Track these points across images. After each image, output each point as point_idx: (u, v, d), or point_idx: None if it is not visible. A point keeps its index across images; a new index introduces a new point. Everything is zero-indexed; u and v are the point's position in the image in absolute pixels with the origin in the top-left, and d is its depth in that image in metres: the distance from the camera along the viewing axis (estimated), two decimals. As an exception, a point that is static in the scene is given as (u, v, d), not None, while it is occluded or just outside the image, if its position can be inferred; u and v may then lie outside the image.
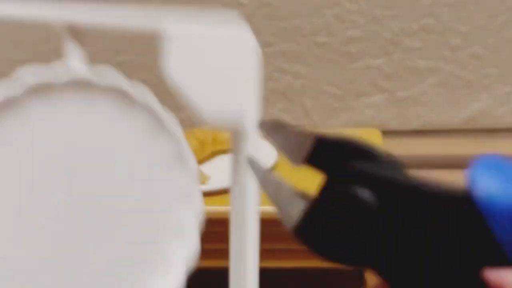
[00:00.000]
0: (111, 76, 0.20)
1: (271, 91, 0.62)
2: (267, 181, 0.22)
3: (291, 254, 0.48)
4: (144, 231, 0.19)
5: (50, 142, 0.18)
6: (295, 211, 0.22)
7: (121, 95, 0.19)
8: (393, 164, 0.21)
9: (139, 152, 0.19)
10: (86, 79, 0.19)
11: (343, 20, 0.61)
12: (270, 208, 0.48)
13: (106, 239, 0.18)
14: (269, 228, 0.50)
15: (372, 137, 0.51)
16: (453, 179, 0.64)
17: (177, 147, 0.19)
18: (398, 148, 0.61)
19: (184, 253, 0.19)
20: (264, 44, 0.61)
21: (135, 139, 0.19)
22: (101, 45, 0.60)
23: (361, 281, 0.48)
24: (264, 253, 0.48)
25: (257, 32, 0.67)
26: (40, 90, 0.19)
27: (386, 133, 0.60)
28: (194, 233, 0.19)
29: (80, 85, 0.19)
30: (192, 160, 0.19)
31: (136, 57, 0.61)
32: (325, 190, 0.22)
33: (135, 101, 0.19)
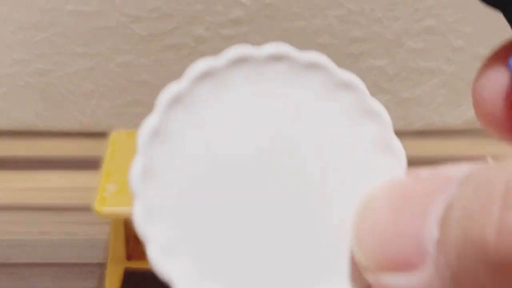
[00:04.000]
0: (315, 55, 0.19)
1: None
2: None
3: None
4: (342, 216, 0.18)
5: (251, 115, 0.19)
6: None
7: (328, 74, 0.19)
8: None
9: (341, 134, 0.19)
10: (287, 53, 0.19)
11: (345, 21, 0.60)
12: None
13: (302, 226, 0.18)
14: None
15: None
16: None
17: (384, 132, 0.19)
18: (401, 149, 0.61)
19: None
20: (266, 44, 0.61)
21: (340, 120, 0.19)
22: (101, 45, 0.60)
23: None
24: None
25: (259, 33, 0.67)
26: (240, 62, 0.19)
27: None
28: None
29: (282, 59, 0.19)
30: (399, 147, 0.19)
31: (136, 58, 0.61)
32: None
33: (341, 81, 0.19)
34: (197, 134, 0.18)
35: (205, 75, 0.18)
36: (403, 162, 0.19)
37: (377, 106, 0.19)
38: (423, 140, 0.63)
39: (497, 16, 0.58)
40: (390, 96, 0.63)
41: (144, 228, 0.18)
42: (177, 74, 0.20)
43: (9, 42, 0.62)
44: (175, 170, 0.18)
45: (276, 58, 0.19)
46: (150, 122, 0.18)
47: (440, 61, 0.62)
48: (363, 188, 0.18)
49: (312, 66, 0.19)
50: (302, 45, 0.61)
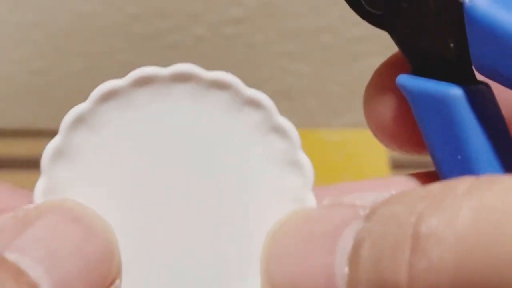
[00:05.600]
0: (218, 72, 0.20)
1: (274, 91, 0.62)
2: None
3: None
4: (250, 233, 0.19)
5: (156, 133, 0.19)
6: None
7: (232, 90, 0.19)
8: None
9: (249, 150, 0.19)
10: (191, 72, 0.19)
11: (346, 19, 0.60)
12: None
13: (212, 237, 0.19)
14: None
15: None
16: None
17: (291, 149, 0.19)
18: (401, 148, 0.61)
19: None
20: (266, 43, 0.61)
21: (247, 137, 0.19)
22: (101, 45, 0.60)
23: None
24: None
25: (259, 32, 0.67)
26: (144, 82, 0.19)
27: (390, 133, 0.60)
28: None
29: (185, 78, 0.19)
30: (308, 164, 0.19)
31: (136, 57, 0.61)
32: None
33: (249, 99, 0.19)
34: (99, 154, 0.19)
35: (109, 96, 0.19)
36: (311, 179, 0.19)
37: (285, 123, 0.19)
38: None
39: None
40: (391, 95, 0.63)
41: None
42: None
43: (9, 41, 0.62)
44: (79, 191, 0.18)
45: (182, 78, 0.19)
46: (52, 143, 0.19)
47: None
48: (270, 204, 0.19)
49: (219, 85, 0.19)
50: (302, 45, 0.61)
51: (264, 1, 0.60)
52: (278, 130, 0.19)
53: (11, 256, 0.15)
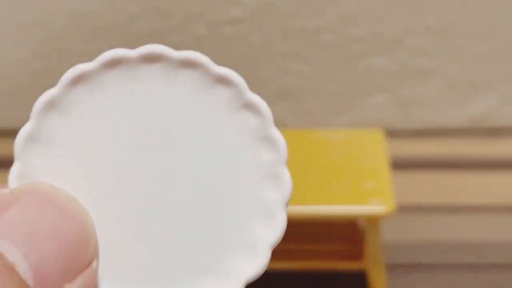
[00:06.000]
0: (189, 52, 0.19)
1: (274, 91, 0.62)
2: None
3: (292, 254, 0.47)
4: (227, 208, 0.19)
5: (128, 114, 0.19)
6: None
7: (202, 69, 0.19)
8: None
9: (222, 127, 0.19)
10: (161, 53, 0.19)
11: (346, 19, 0.60)
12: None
13: (188, 216, 0.19)
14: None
15: (375, 137, 0.51)
16: (457, 179, 0.64)
17: (264, 125, 0.19)
18: (402, 148, 0.61)
19: (270, 235, 0.19)
20: (266, 43, 0.61)
21: (219, 114, 0.19)
22: (101, 44, 0.60)
23: (365, 283, 0.48)
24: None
25: (259, 32, 0.67)
26: (114, 64, 0.19)
27: (390, 132, 0.60)
28: (282, 215, 0.19)
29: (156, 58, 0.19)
30: (281, 140, 0.19)
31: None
32: None
33: (219, 77, 0.19)
34: (71, 137, 0.19)
35: (79, 79, 0.19)
36: (284, 154, 0.19)
37: (256, 100, 0.19)
38: (423, 140, 0.63)
39: (500, 15, 0.58)
40: (391, 94, 0.63)
41: None
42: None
43: (9, 41, 0.62)
44: (52, 175, 0.19)
45: (151, 59, 0.19)
46: (24, 129, 0.19)
47: (440, 60, 0.62)
48: (246, 180, 0.19)
49: (188, 64, 0.19)
50: (302, 45, 0.61)
51: (264, 1, 0.60)
52: (249, 107, 0.19)
53: None
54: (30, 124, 0.19)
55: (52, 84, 0.20)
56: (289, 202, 0.19)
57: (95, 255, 0.17)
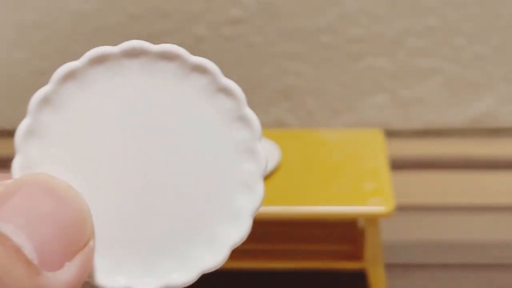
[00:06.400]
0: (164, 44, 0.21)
1: (274, 91, 0.62)
2: None
3: (292, 254, 0.47)
4: (210, 182, 0.21)
5: (114, 106, 0.21)
6: None
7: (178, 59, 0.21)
8: None
9: (201, 111, 0.21)
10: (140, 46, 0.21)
11: (346, 19, 0.60)
12: (270, 208, 0.48)
13: (175, 192, 0.21)
14: (269, 228, 0.50)
15: (375, 137, 0.51)
16: (456, 179, 0.64)
17: (238, 106, 0.21)
18: (401, 148, 0.61)
19: (250, 203, 0.21)
20: (266, 43, 0.61)
21: (194, 99, 0.21)
22: (101, 44, 0.60)
23: (365, 283, 0.48)
24: (264, 253, 0.48)
25: (259, 32, 0.67)
26: (99, 61, 0.21)
27: (390, 133, 0.60)
28: (259, 185, 0.21)
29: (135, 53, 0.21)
30: (254, 118, 0.21)
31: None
32: None
33: (195, 66, 0.21)
34: (65, 131, 0.21)
35: (69, 76, 0.21)
36: (258, 131, 0.21)
37: (230, 84, 0.21)
38: (422, 140, 0.63)
39: (499, 15, 0.58)
40: (390, 95, 0.63)
41: None
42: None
43: (9, 41, 0.62)
44: (51, 165, 0.20)
45: (132, 54, 0.21)
46: (23, 124, 0.21)
47: (440, 60, 0.62)
48: (224, 156, 0.21)
49: (166, 56, 0.21)
50: (302, 45, 0.61)
51: (264, 1, 0.60)
52: (224, 91, 0.21)
53: None
54: (27, 119, 0.21)
55: (52, 84, 0.21)
56: (265, 173, 0.21)
57: (91, 235, 0.19)
